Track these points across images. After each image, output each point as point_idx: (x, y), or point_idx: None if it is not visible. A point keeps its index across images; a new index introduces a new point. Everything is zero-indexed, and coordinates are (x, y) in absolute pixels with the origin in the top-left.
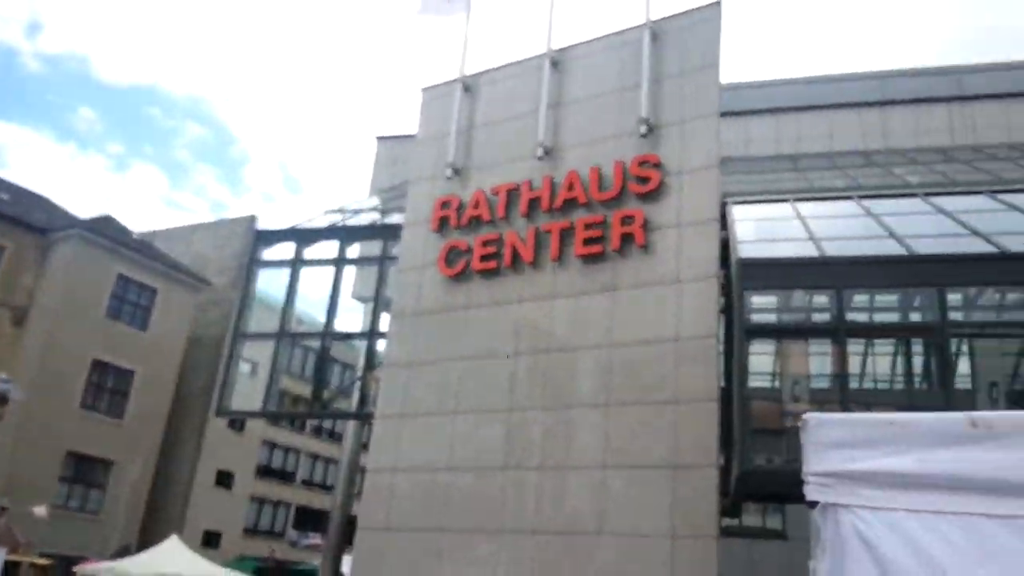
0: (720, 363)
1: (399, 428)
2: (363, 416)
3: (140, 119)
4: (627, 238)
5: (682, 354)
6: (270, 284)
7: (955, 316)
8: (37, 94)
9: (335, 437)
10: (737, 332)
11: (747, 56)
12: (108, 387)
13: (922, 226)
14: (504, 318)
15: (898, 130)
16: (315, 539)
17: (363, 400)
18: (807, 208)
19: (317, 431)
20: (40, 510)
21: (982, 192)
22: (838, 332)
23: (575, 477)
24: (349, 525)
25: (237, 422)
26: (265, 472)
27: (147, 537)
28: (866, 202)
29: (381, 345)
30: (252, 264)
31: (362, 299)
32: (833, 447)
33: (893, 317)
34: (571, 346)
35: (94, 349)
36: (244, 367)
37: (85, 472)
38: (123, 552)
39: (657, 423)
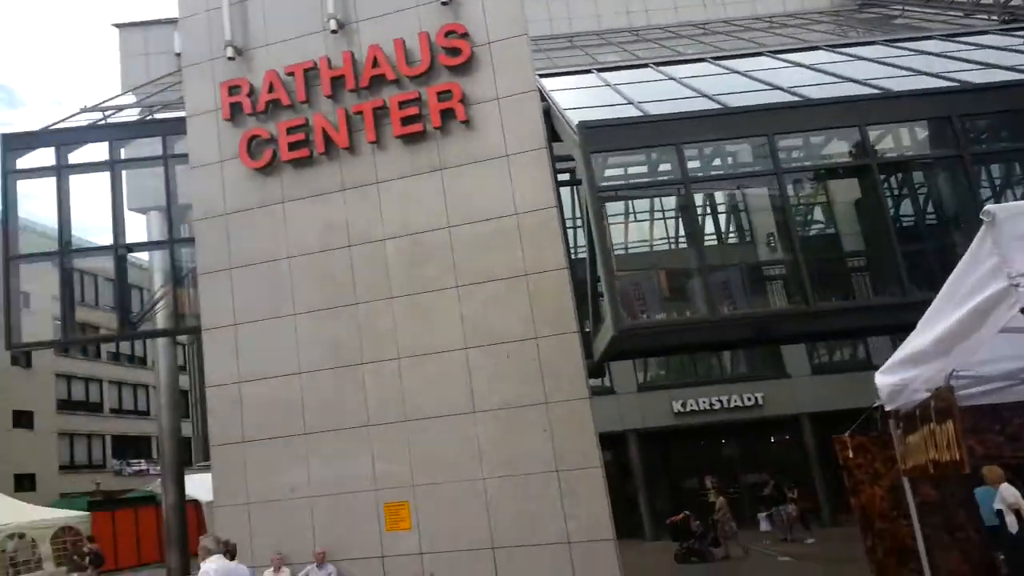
0: (564, 234)
1: (234, 338)
2: (183, 332)
3: None
4: (447, 114)
5: (525, 228)
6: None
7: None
8: None
9: (137, 361)
10: (589, 195)
11: None
12: None
13: (722, 86)
14: (328, 209)
15: (658, 8)
16: (140, 465)
17: (176, 316)
18: (613, 77)
19: (115, 357)
20: None
21: (763, 54)
22: (683, 184)
23: (437, 362)
24: (182, 445)
25: (22, 358)
26: (68, 405)
27: None
28: (663, 68)
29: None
30: (8, 176)
31: (141, 210)
32: None
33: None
34: (409, 230)
35: None
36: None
37: None
38: None
39: (511, 298)
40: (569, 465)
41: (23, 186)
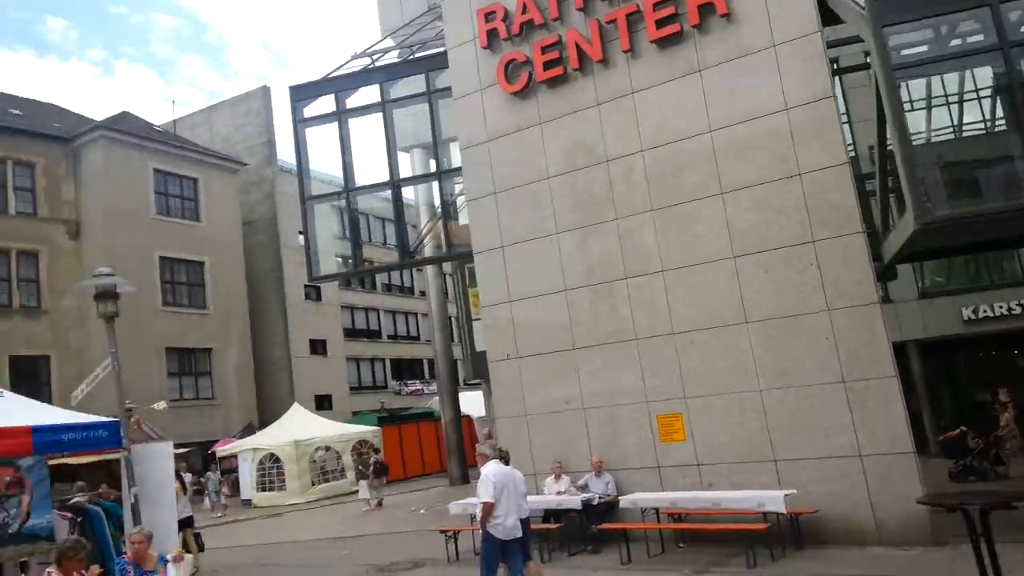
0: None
1: (502, 260)
2: (452, 258)
3: (109, 19)
4: (705, 10)
5: (797, 123)
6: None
7: None
8: None
9: (406, 291)
10: (882, 74)
11: None
12: (183, 281)
13: None
14: (584, 126)
15: None
16: (415, 385)
17: (447, 244)
18: None
19: (388, 288)
20: (160, 405)
21: None
22: (1001, 49)
23: (703, 273)
24: (453, 367)
25: (313, 293)
26: (352, 333)
27: (265, 413)
28: None
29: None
30: (297, 125)
31: (403, 149)
32: None
33: None
34: (666, 139)
35: (156, 247)
36: (303, 239)
37: (188, 364)
38: (249, 429)
39: (783, 201)
40: (857, 375)
41: (289, 135)
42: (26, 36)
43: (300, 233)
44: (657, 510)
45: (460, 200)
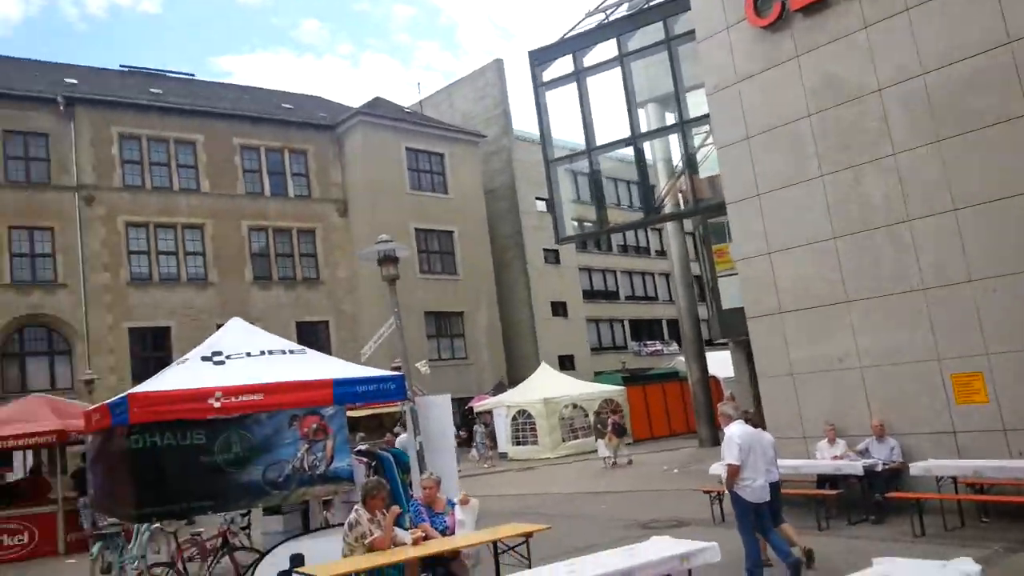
0: None
1: (758, 209)
2: (699, 211)
3: (354, 16)
4: None
5: None
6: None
7: None
8: (263, 19)
9: (642, 252)
10: None
11: None
12: (436, 250)
13: None
14: (849, 53)
15: None
16: (655, 346)
17: (694, 199)
18: None
19: (624, 249)
20: (423, 367)
21: None
22: None
23: (1009, 208)
24: (698, 327)
25: (551, 256)
26: (591, 295)
27: (513, 372)
28: None
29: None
30: (538, 88)
31: (641, 105)
32: None
33: None
34: (953, 57)
35: (412, 219)
36: (540, 204)
37: (444, 326)
38: (500, 387)
39: None
40: None
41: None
42: (285, 39)
43: (538, 199)
44: (955, 479)
45: (701, 153)
